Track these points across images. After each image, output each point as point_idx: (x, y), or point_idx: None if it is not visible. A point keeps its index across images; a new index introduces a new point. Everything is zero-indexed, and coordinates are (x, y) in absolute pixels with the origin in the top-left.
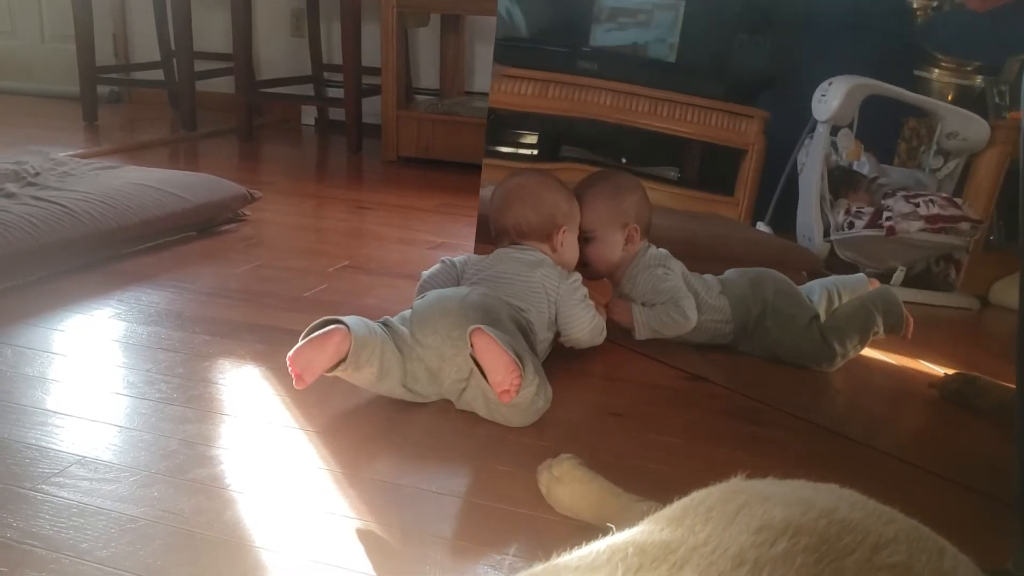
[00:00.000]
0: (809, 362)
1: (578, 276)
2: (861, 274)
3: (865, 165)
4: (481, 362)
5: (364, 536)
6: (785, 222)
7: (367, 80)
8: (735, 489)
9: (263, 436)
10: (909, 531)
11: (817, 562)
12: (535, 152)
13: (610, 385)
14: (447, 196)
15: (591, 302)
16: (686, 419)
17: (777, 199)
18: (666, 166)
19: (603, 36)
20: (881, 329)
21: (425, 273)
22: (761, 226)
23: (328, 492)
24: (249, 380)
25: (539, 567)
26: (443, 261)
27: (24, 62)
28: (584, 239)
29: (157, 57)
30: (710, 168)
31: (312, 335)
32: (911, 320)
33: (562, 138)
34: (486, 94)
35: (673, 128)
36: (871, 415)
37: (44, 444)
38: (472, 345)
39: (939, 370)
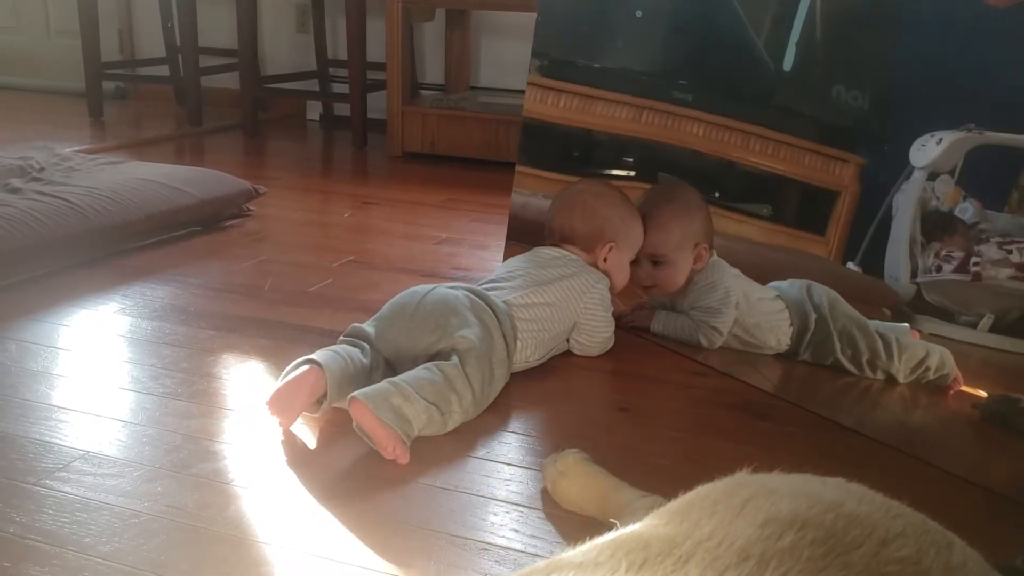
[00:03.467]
0: (869, 367)
1: (605, 286)
2: (905, 324)
3: (968, 211)
4: (363, 430)
5: (368, 531)
6: (875, 265)
7: (372, 75)
8: (740, 482)
9: (267, 431)
10: (917, 525)
11: (824, 556)
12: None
13: (617, 379)
14: (452, 191)
15: (611, 316)
16: (694, 414)
17: (869, 240)
18: (759, 203)
19: (697, 66)
20: (932, 373)
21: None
22: (851, 266)
23: (331, 487)
24: (253, 375)
25: (542, 563)
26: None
27: (29, 58)
28: (654, 262)
29: (162, 53)
30: (803, 207)
31: (288, 377)
32: (960, 379)
33: (623, 160)
34: (491, 89)
35: (767, 164)
36: (898, 421)
37: (48, 439)
38: (352, 415)
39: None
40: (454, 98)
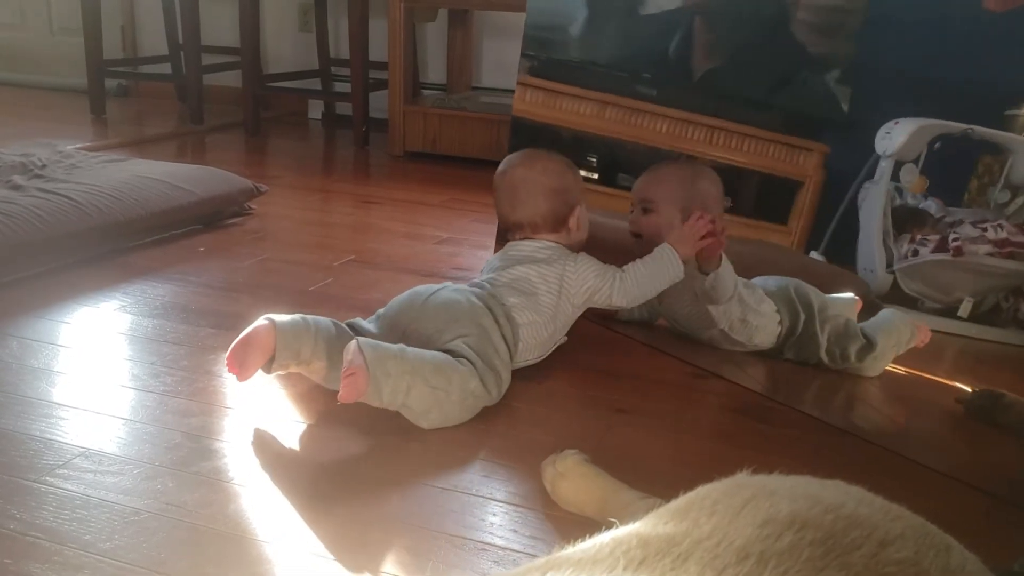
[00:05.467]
0: (856, 365)
1: (585, 263)
2: (850, 294)
3: (932, 206)
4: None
5: (367, 531)
6: (839, 253)
7: (374, 75)
8: (740, 483)
9: (267, 430)
10: (916, 528)
11: (823, 556)
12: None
13: (615, 381)
14: (454, 191)
15: (606, 268)
16: (693, 416)
17: (833, 230)
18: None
19: (662, 61)
20: (903, 343)
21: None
22: (814, 255)
23: (331, 486)
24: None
25: (540, 560)
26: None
27: (32, 55)
28: (644, 209)
29: (165, 51)
30: (765, 198)
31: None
32: (924, 328)
33: (603, 160)
34: (493, 89)
35: (730, 158)
36: (889, 421)
37: (48, 436)
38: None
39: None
40: (456, 98)
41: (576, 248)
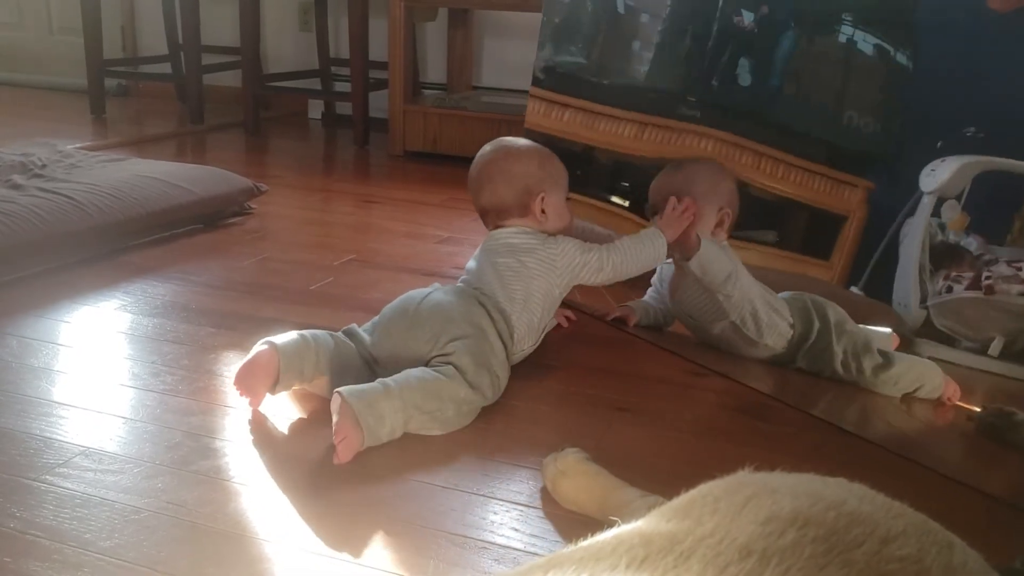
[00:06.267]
0: (870, 380)
1: (567, 243)
2: (887, 329)
3: (972, 244)
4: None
5: (368, 529)
6: (879, 289)
7: (374, 74)
8: (742, 481)
9: (267, 428)
10: (918, 525)
11: (826, 553)
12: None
13: (616, 379)
14: (454, 191)
15: (589, 244)
16: (693, 414)
17: (873, 266)
18: (763, 228)
19: (708, 86)
20: (923, 392)
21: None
22: (854, 290)
23: (331, 485)
24: None
25: (542, 559)
26: None
27: (32, 55)
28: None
29: (165, 50)
30: (809, 232)
31: (247, 358)
32: (954, 385)
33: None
34: (493, 89)
35: (776, 187)
36: (897, 431)
37: (49, 435)
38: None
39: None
40: (456, 97)
41: (555, 234)
